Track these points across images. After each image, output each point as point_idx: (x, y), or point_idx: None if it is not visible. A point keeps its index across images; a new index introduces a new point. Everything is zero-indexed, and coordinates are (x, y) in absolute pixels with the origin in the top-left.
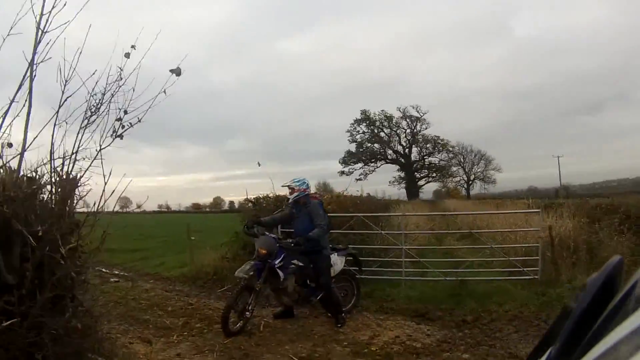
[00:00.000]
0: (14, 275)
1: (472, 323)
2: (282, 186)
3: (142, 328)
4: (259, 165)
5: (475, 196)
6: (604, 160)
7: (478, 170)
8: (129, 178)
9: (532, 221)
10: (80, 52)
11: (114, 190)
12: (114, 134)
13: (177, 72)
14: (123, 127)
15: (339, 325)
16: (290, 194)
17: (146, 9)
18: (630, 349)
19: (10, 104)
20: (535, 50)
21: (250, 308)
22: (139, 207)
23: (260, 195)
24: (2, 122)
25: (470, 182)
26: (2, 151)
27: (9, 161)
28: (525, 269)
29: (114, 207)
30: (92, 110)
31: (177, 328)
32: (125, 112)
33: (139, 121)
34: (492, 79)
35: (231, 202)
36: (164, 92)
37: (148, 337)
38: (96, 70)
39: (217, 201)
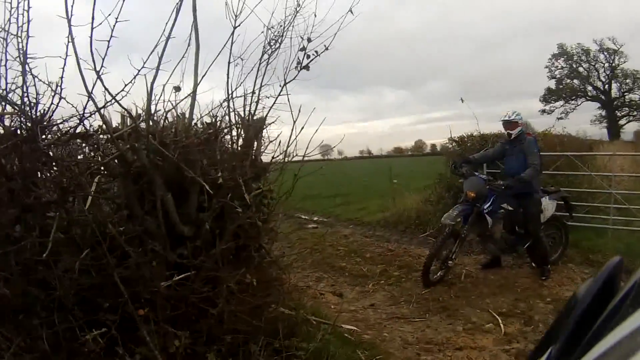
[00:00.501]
0: (190, 226)
1: None
2: (502, 120)
3: (338, 276)
4: (462, 101)
5: None
6: None
7: None
8: (328, 125)
9: None
10: None
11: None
12: (299, 66)
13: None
14: (308, 57)
15: (544, 277)
16: (509, 129)
17: None
18: (631, 349)
19: (167, 40)
20: None
21: (453, 257)
22: (340, 153)
23: (465, 135)
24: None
25: None
26: (172, 96)
27: (176, 105)
28: None
29: (304, 154)
30: (272, 44)
31: (374, 276)
32: (309, 40)
33: (326, 48)
34: None
35: (433, 145)
36: (351, 11)
37: (339, 291)
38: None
39: (419, 144)
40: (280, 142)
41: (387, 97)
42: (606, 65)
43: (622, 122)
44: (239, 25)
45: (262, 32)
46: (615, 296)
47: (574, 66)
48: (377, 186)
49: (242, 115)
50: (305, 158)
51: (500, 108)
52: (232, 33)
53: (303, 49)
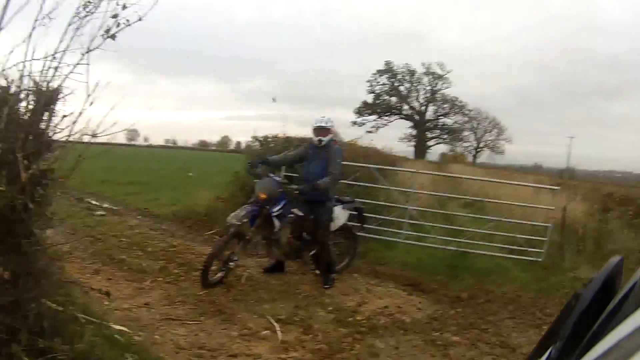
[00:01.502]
0: None
1: (466, 301)
2: (316, 125)
3: (116, 269)
4: (274, 100)
5: (480, 165)
6: (612, 149)
7: (489, 138)
8: (139, 110)
9: (541, 199)
10: None
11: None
12: (106, 34)
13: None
14: (118, 25)
15: (327, 286)
16: (321, 135)
17: None
18: (631, 349)
19: None
20: (569, 24)
21: (235, 258)
22: (146, 140)
23: (269, 135)
24: None
25: (479, 149)
26: None
27: None
28: (529, 249)
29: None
30: (88, 3)
31: (153, 272)
32: (124, 7)
33: (140, 19)
34: (517, 46)
35: (238, 142)
36: None
37: (109, 288)
38: None
39: (225, 140)
40: (77, 115)
41: (205, 88)
42: (428, 88)
43: (430, 143)
44: None
45: None
46: (615, 296)
47: (396, 84)
48: (173, 178)
49: (37, 82)
50: (109, 140)
51: (314, 113)
52: None
53: (115, 15)
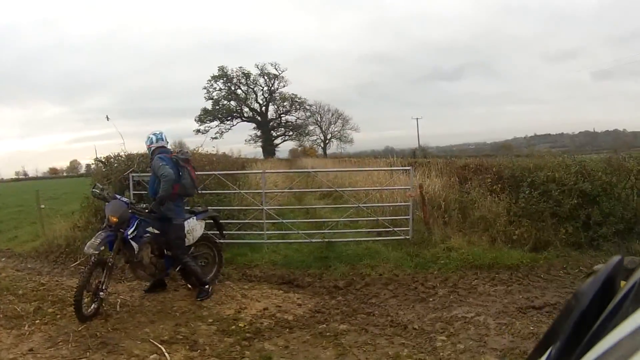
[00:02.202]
0: None
1: (345, 289)
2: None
3: None
4: (108, 119)
5: (331, 155)
6: (462, 125)
7: (335, 129)
8: None
9: (397, 180)
10: None
11: None
12: None
13: None
14: None
15: (201, 298)
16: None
17: None
18: (630, 349)
19: None
20: (399, 15)
21: (104, 287)
22: None
23: (111, 155)
24: None
25: (327, 141)
26: None
27: None
28: (395, 229)
29: None
30: None
31: (28, 315)
32: None
33: None
34: (352, 41)
35: (87, 166)
36: None
37: None
38: None
39: (74, 165)
40: None
41: (46, 112)
42: (265, 88)
43: (277, 141)
44: None
45: None
46: (615, 296)
47: (233, 88)
48: (29, 212)
49: None
50: None
51: (157, 127)
52: None
53: None
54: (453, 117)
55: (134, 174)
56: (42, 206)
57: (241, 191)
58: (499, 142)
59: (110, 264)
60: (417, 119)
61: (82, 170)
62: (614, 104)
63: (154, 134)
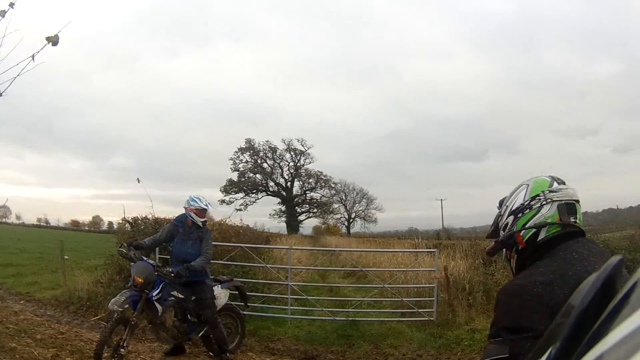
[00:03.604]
0: None
1: None
2: (200, 207)
3: (9, 358)
4: (139, 181)
5: (355, 234)
6: (485, 205)
7: (359, 208)
8: (7, 185)
9: (422, 262)
10: None
11: None
12: None
13: (54, 40)
14: None
15: None
16: (202, 216)
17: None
18: (630, 349)
19: None
20: (422, 95)
21: (125, 344)
22: (18, 218)
23: (139, 217)
24: None
25: (352, 220)
26: None
27: None
28: (419, 310)
29: None
30: None
31: None
32: None
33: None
34: (376, 118)
35: (110, 223)
36: (33, 57)
37: None
38: None
39: (96, 220)
40: None
41: (72, 165)
42: (291, 164)
43: (301, 217)
44: None
45: None
46: (615, 296)
47: (259, 162)
48: (50, 259)
49: None
50: None
51: (180, 193)
52: None
53: None
54: (475, 198)
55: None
56: (66, 257)
57: (267, 265)
58: None
59: (133, 322)
60: (441, 200)
61: (104, 226)
62: (637, 178)
63: (208, 202)
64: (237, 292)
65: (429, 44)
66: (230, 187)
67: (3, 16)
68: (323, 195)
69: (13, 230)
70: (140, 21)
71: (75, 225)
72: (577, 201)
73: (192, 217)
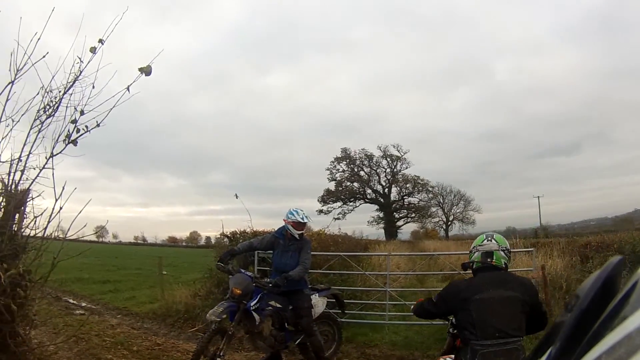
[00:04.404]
0: None
1: None
2: (297, 220)
3: None
4: (237, 197)
5: (453, 237)
6: (582, 200)
7: (457, 210)
8: (104, 207)
9: (520, 261)
10: (39, 39)
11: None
12: (67, 139)
13: (147, 70)
14: (78, 130)
15: None
16: (300, 229)
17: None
18: (630, 349)
19: None
20: (512, 92)
21: (221, 354)
22: (114, 237)
23: (237, 230)
24: None
25: (450, 222)
26: None
27: None
28: None
29: (80, 233)
30: (48, 108)
31: None
32: (82, 113)
33: (98, 125)
34: (468, 119)
35: (207, 238)
36: (128, 89)
37: None
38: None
39: (194, 236)
40: (48, 217)
41: (168, 184)
42: (388, 170)
43: (399, 223)
44: (17, 80)
45: (39, 92)
46: (615, 296)
47: (356, 170)
48: (147, 275)
49: (6, 183)
50: (78, 238)
51: (277, 206)
52: (10, 87)
53: (74, 121)
54: (573, 193)
55: (259, 251)
56: (164, 272)
57: (365, 272)
58: (620, 215)
59: (230, 332)
60: (538, 197)
61: (202, 241)
62: None
63: (307, 215)
64: (334, 300)
65: (520, 39)
66: (327, 197)
67: (95, 52)
68: (421, 200)
69: (110, 249)
70: (228, 41)
71: (173, 241)
72: (497, 250)
73: (289, 229)
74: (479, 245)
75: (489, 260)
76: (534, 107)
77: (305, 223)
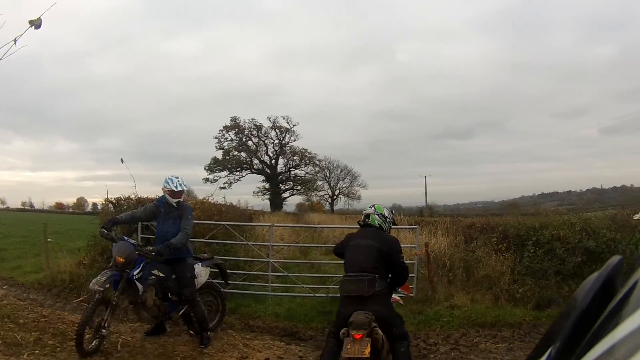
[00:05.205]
0: None
1: None
2: (170, 189)
3: None
4: (122, 162)
5: (338, 211)
6: (471, 183)
7: (343, 185)
8: None
9: (404, 238)
10: None
11: None
12: None
13: (36, 23)
14: None
15: (203, 345)
16: (177, 197)
17: None
18: (630, 349)
19: None
20: (416, 75)
21: (106, 325)
22: (2, 202)
23: (122, 197)
24: None
25: (335, 197)
26: None
27: None
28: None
29: None
30: None
31: (28, 345)
32: None
33: None
34: (366, 97)
35: (94, 204)
36: (14, 41)
37: None
38: None
39: (81, 202)
40: None
41: (59, 147)
42: (276, 141)
43: (285, 195)
44: None
45: None
46: (615, 296)
47: (244, 139)
48: (33, 243)
49: None
50: None
51: (168, 172)
52: None
53: None
54: (463, 176)
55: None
56: (49, 240)
57: (248, 242)
58: (506, 201)
59: (114, 302)
60: (425, 177)
61: (89, 208)
62: (622, 160)
63: (184, 182)
64: (217, 270)
65: (430, 25)
66: (214, 166)
67: None
68: (307, 173)
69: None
70: (136, 1)
71: (60, 207)
72: (373, 214)
73: (167, 198)
74: (364, 210)
75: (366, 220)
76: (436, 90)
77: (181, 191)
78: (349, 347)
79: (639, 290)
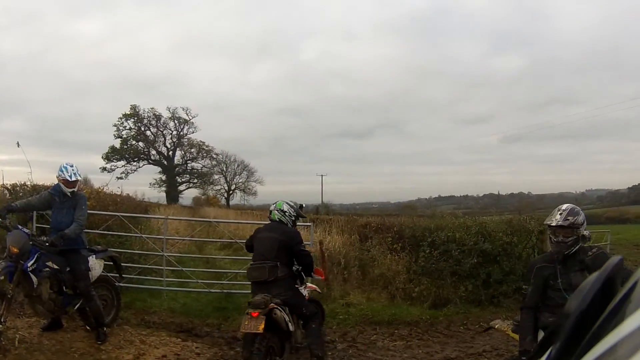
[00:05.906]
0: None
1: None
2: (64, 178)
3: None
4: (18, 145)
5: (234, 206)
6: (367, 183)
7: (240, 180)
8: None
9: None
10: None
11: None
12: None
13: None
14: None
15: (100, 341)
16: (71, 187)
17: None
18: (630, 349)
19: None
20: (317, 73)
21: (2, 320)
22: None
23: (18, 183)
24: None
25: (231, 191)
26: None
27: None
28: None
29: None
30: None
31: None
32: None
33: None
34: (267, 93)
35: None
36: None
37: None
38: None
39: None
40: None
41: None
42: (174, 132)
43: (182, 187)
44: None
45: None
46: (615, 296)
47: (143, 129)
48: None
49: None
50: None
51: (66, 159)
52: None
53: None
54: (361, 176)
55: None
56: None
57: (142, 235)
58: (403, 202)
59: (9, 295)
60: (322, 175)
61: None
62: (520, 168)
63: (78, 171)
64: (112, 263)
65: (335, 24)
66: (112, 155)
67: None
68: (204, 166)
69: None
70: None
71: None
72: (274, 210)
73: (61, 186)
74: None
75: (269, 215)
76: (337, 89)
77: (75, 181)
78: (246, 323)
79: (639, 290)
